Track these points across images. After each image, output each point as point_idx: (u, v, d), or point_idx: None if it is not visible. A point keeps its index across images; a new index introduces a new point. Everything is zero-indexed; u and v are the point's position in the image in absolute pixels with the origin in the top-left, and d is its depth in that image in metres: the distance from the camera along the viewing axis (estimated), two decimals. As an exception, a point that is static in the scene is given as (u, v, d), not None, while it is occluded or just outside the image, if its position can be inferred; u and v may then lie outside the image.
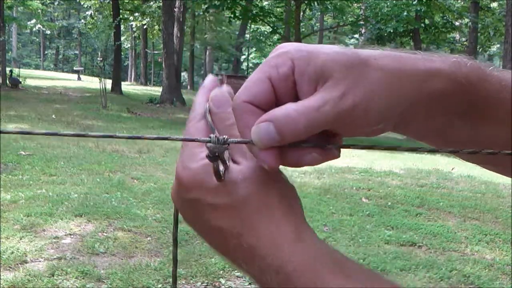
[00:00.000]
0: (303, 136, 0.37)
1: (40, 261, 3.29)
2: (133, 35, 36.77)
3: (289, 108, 0.37)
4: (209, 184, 0.40)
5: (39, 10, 29.09)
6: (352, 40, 41.60)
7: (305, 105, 0.36)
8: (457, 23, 24.88)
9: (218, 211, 0.40)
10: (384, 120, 0.38)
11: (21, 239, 3.61)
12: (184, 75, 38.83)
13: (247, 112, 0.38)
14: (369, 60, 0.37)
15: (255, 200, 0.39)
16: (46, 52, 56.50)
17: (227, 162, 0.40)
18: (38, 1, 28.22)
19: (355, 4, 23.51)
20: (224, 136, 0.39)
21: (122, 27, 26.99)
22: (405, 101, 0.38)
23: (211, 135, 0.39)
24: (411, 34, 22.24)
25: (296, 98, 0.38)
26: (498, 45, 30.85)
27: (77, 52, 52.45)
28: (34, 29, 34.33)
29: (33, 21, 31.53)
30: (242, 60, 40.30)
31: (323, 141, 0.39)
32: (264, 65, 0.39)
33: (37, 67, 50.93)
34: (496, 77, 0.41)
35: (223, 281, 3.22)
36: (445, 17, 22.79)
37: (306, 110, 0.36)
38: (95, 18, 22.69)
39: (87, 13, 31.42)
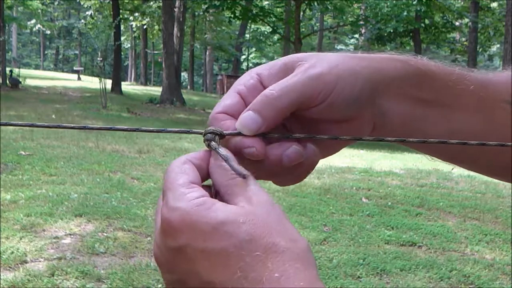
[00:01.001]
0: (283, 111, 0.39)
1: (40, 261, 3.29)
2: (133, 35, 36.77)
3: (263, 92, 0.40)
4: (202, 225, 0.34)
5: (39, 10, 29.11)
6: (352, 40, 41.60)
7: (276, 83, 0.40)
8: (457, 23, 24.89)
9: (211, 260, 0.34)
10: (355, 95, 0.41)
11: (21, 239, 3.61)
12: (184, 75, 38.82)
13: (223, 119, 0.41)
14: (321, 53, 0.43)
15: (261, 246, 0.34)
16: (46, 52, 56.50)
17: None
18: (38, 1, 28.23)
19: (355, 4, 23.50)
20: (219, 129, 0.40)
21: (122, 27, 27.00)
22: (367, 75, 0.41)
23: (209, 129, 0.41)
24: (411, 34, 22.24)
25: None
26: (498, 45, 30.85)
27: (77, 52, 52.44)
28: (34, 29, 34.36)
29: (33, 21, 31.55)
30: (242, 60, 40.30)
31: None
32: (233, 86, 0.43)
33: (37, 67, 50.93)
34: (459, 72, 0.46)
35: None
36: (445, 17, 22.79)
37: (278, 85, 0.40)
38: (95, 18, 22.69)
39: (87, 13, 31.43)
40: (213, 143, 0.39)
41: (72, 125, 0.43)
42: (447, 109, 0.45)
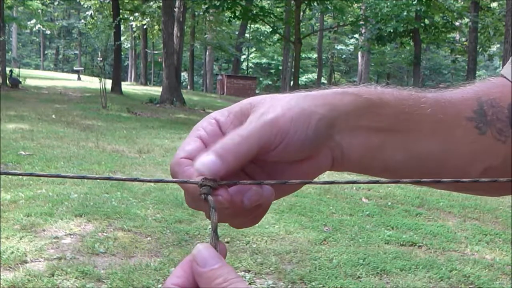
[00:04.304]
0: (242, 158, 0.40)
1: (40, 261, 3.29)
2: (133, 35, 36.76)
3: (222, 139, 0.41)
4: None
5: (39, 10, 29.12)
6: (352, 40, 41.60)
7: (234, 131, 0.42)
8: (457, 23, 24.89)
9: None
10: (310, 135, 0.42)
11: (21, 239, 3.61)
12: (184, 75, 38.81)
13: (187, 165, 0.42)
14: (276, 95, 0.44)
15: None
16: (46, 52, 56.50)
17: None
18: (38, 1, 28.23)
19: (355, 4, 23.50)
20: (212, 181, 0.40)
21: (122, 27, 27.00)
22: (321, 113, 0.43)
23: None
24: (411, 34, 22.26)
25: None
26: (498, 45, 30.85)
27: (77, 52, 52.44)
28: (34, 29, 34.33)
29: (33, 21, 31.53)
30: (242, 60, 40.30)
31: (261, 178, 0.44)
32: (193, 131, 0.44)
33: (37, 67, 50.93)
34: (415, 95, 0.47)
35: (223, 281, 3.22)
36: (445, 17, 22.79)
37: (235, 133, 0.41)
38: (95, 18, 22.68)
39: (87, 13, 31.43)
40: (210, 198, 0.40)
41: (98, 176, 0.43)
42: (404, 135, 0.46)
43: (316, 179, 0.46)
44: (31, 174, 0.41)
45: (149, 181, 0.45)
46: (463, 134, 0.48)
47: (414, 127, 0.46)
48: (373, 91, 0.45)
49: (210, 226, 0.41)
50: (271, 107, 0.42)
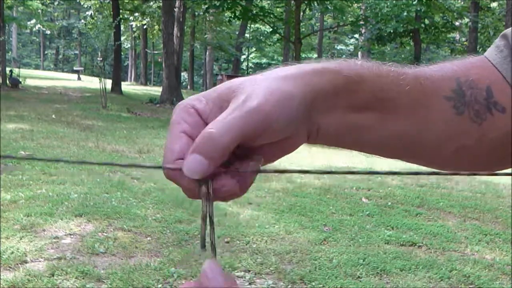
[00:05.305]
0: (227, 144, 0.39)
1: (40, 261, 3.29)
2: (133, 35, 36.75)
3: (203, 131, 0.40)
4: None
5: (39, 10, 29.11)
6: (352, 40, 41.60)
7: (216, 120, 0.40)
8: (457, 23, 24.87)
9: None
10: (293, 117, 0.42)
11: (21, 239, 3.61)
12: (184, 75, 38.82)
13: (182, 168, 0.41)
14: (255, 77, 0.43)
15: None
16: (46, 52, 56.48)
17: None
18: (38, 1, 28.22)
19: (355, 4, 23.49)
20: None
21: (122, 27, 26.99)
22: (302, 94, 0.42)
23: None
24: (411, 34, 22.25)
25: None
26: (498, 45, 30.77)
27: (77, 52, 52.42)
28: (34, 29, 34.31)
29: (33, 21, 31.51)
30: (242, 60, 40.30)
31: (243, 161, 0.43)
32: (172, 125, 0.42)
33: (37, 67, 50.92)
34: (395, 72, 0.47)
35: (223, 281, 3.21)
36: (445, 17, 22.78)
37: (217, 123, 0.39)
38: (95, 18, 22.66)
39: (87, 13, 31.41)
40: (203, 191, 0.40)
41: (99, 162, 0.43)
42: (380, 114, 0.46)
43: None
44: (32, 158, 0.41)
45: (144, 166, 0.44)
46: (440, 114, 0.48)
47: (390, 106, 0.46)
48: (352, 66, 0.45)
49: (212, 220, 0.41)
50: (253, 94, 0.41)
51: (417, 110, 0.47)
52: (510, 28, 0.53)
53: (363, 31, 25.87)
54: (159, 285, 3.08)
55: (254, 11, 18.09)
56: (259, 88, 0.41)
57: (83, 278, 3.07)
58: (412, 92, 0.47)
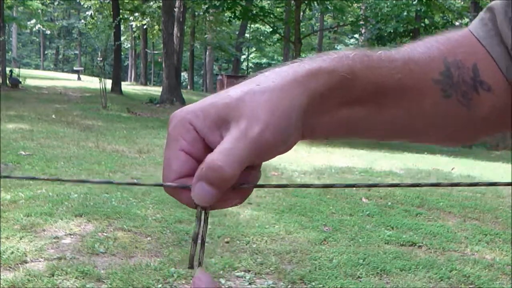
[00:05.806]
0: (234, 175, 0.40)
1: (40, 261, 3.29)
2: (133, 35, 36.76)
3: (209, 159, 0.40)
4: None
5: (39, 10, 29.12)
6: (352, 40, 41.61)
7: (221, 150, 0.40)
8: (457, 23, 24.87)
9: None
10: (292, 128, 0.42)
11: (21, 239, 3.61)
12: (184, 75, 38.82)
13: (181, 188, 0.42)
14: (253, 89, 0.41)
15: None
16: (46, 52, 56.49)
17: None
18: (38, 1, 28.23)
19: (355, 4, 23.50)
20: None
21: (122, 27, 26.99)
22: (299, 102, 0.42)
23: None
24: (411, 34, 22.24)
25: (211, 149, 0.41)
26: (498, 45, 30.80)
27: (77, 52, 52.44)
28: (34, 29, 34.33)
29: (33, 21, 31.53)
30: (242, 60, 40.30)
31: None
32: (170, 141, 0.42)
33: (37, 67, 50.92)
34: (385, 61, 0.47)
35: (223, 281, 3.22)
36: (445, 17, 22.80)
37: (221, 153, 0.39)
38: (95, 18, 22.67)
39: (87, 13, 31.42)
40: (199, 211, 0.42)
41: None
42: (371, 105, 0.47)
43: (314, 183, 0.47)
44: (32, 178, 0.42)
45: (144, 184, 0.46)
46: (429, 98, 0.49)
47: (382, 97, 0.47)
48: (345, 62, 0.45)
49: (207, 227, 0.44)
50: (253, 118, 0.40)
51: (407, 97, 0.48)
52: (497, 0, 0.52)
53: (363, 31, 25.89)
54: (159, 285, 3.08)
55: (254, 11, 18.10)
56: (259, 107, 0.40)
57: (83, 278, 3.07)
58: (402, 80, 0.47)
